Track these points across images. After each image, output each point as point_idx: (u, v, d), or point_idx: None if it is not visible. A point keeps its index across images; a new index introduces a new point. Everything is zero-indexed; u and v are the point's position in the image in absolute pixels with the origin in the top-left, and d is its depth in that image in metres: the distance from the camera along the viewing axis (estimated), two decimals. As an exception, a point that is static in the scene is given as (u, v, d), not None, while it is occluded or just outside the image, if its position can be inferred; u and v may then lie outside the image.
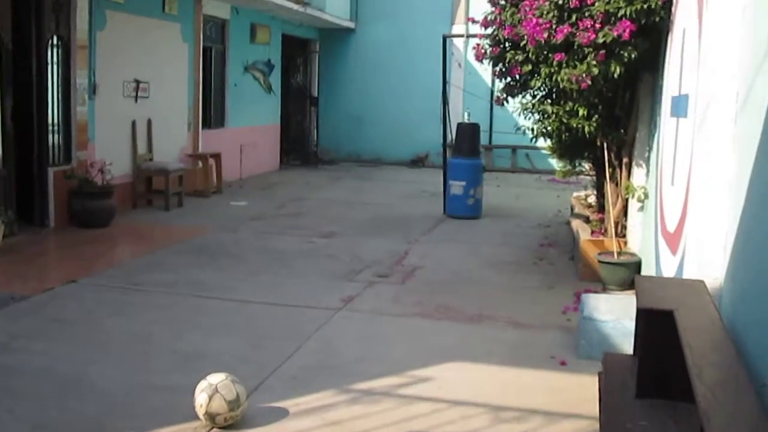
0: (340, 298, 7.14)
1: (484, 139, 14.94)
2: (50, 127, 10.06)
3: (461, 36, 16.50)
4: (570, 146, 8.96)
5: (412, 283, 7.86)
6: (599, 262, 7.76)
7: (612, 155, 8.33)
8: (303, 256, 8.93)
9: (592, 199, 10.39)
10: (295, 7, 16.05)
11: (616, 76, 7.19)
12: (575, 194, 11.65)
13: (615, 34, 6.98)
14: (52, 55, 10.13)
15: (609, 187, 8.40)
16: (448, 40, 13.09)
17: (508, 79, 8.42)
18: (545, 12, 7.42)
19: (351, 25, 19.57)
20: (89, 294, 7.01)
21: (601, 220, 8.92)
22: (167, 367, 5.35)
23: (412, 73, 19.15)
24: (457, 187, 11.82)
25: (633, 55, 7.09)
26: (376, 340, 6.08)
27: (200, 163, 13.51)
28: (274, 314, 6.67)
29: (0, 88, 9.19)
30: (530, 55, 7.61)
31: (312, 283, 7.71)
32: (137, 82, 11.88)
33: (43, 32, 9.85)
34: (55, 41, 10.15)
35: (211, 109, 14.93)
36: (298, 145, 19.58)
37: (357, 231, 10.58)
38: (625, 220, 8.33)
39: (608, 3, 7.07)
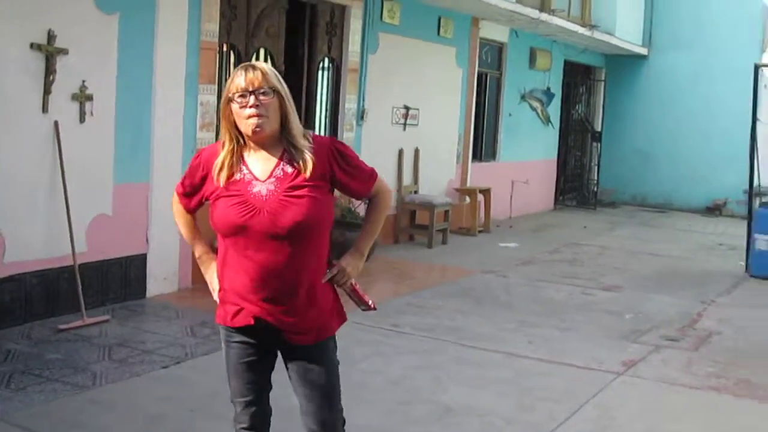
0: (622, 361, 6.89)
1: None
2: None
3: (777, 65, 15.63)
4: None
5: (707, 351, 7.42)
6: None
7: None
8: (579, 310, 8.74)
9: None
10: (581, 30, 15.92)
11: None
12: None
13: None
14: (323, 78, 10.74)
15: None
16: (759, 70, 12.42)
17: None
18: None
19: (643, 51, 19.09)
20: (346, 331, 7.22)
21: None
22: (426, 419, 5.40)
23: (713, 107, 18.37)
24: (763, 242, 11.12)
25: None
26: (664, 413, 5.80)
27: (468, 199, 13.69)
28: (546, 372, 6.55)
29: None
30: None
31: (589, 341, 7.51)
32: (407, 108, 12.28)
33: (315, 54, 10.49)
34: (326, 63, 10.76)
35: (482, 141, 15.12)
36: (576, 184, 19.39)
37: (641, 285, 10.23)
38: None
39: None
